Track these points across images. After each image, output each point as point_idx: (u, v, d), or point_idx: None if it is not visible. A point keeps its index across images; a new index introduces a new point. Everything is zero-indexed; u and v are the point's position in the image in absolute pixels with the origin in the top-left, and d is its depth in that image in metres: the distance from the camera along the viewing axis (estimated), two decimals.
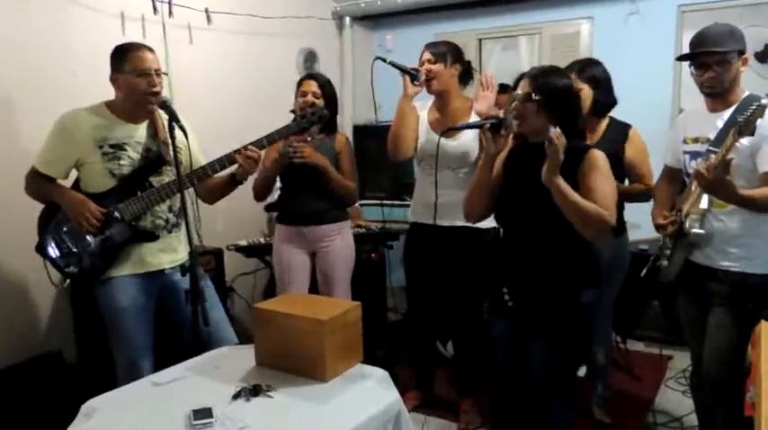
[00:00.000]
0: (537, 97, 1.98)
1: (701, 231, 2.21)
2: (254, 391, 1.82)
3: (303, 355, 1.92)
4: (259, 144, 2.44)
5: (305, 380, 1.90)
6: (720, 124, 2.15)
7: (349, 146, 3.06)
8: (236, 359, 2.11)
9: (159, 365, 2.38)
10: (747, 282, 2.15)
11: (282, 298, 2.26)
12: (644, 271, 2.55)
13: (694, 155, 2.25)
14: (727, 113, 2.15)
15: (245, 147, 2.39)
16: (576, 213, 1.91)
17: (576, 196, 1.91)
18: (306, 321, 1.92)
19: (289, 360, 1.95)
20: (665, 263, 2.39)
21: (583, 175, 1.98)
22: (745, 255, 2.16)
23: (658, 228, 2.37)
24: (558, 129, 1.90)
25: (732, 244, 2.18)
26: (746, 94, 2.16)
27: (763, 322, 1.32)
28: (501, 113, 2.10)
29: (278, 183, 3.89)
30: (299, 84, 2.98)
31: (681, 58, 2.27)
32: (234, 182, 2.49)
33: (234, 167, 2.42)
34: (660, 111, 4.10)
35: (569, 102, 2.03)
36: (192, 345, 2.15)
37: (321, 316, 1.90)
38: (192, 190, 2.54)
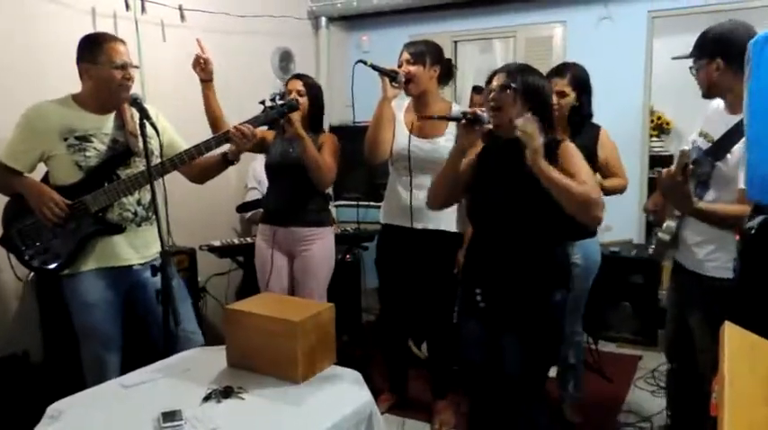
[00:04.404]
0: (513, 85, 2.01)
1: (667, 237, 2.27)
2: (226, 393, 1.80)
3: (275, 357, 1.91)
4: (225, 137, 2.46)
5: (277, 381, 1.89)
6: (724, 128, 2.11)
7: (333, 142, 3.03)
8: (207, 360, 2.09)
9: (126, 363, 2.37)
10: (715, 286, 2.17)
11: (255, 298, 2.24)
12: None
13: (697, 149, 2.24)
14: (735, 119, 2.06)
15: (237, 126, 2.43)
16: (566, 195, 1.89)
17: (563, 178, 1.90)
18: (278, 322, 1.91)
19: (261, 361, 1.94)
20: (652, 247, 2.46)
21: (561, 165, 1.99)
22: (711, 261, 2.19)
23: (648, 211, 2.42)
24: (527, 115, 1.93)
25: (703, 248, 2.21)
26: None
27: (726, 323, 1.34)
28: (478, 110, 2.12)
29: (251, 183, 3.89)
30: (286, 84, 3.01)
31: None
32: (226, 161, 2.53)
33: (225, 147, 2.48)
34: (631, 113, 4.19)
35: (542, 95, 2.05)
36: (162, 345, 2.13)
37: (294, 317, 1.89)
38: (163, 184, 2.53)
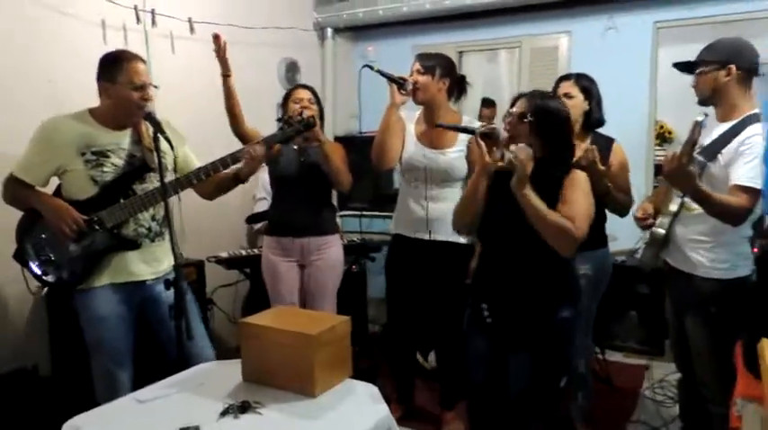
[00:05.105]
0: (531, 118, 2.01)
1: (662, 231, 2.33)
2: (243, 408, 1.79)
3: (292, 371, 1.90)
4: (236, 157, 2.45)
5: (294, 395, 1.87)
6: (716, 134, 2.21)
7: (341, 148, 3.06)
8: (221, 375, 2.07)
9: (137, 378, 2.36)
10: (708, 288, 2.23)
11: (269, 312, 2.23)
12: (618, 259, 2.80)
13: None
14: (727, 126, 2.20)
15: (252, 145, 2.46)
16: (539, 223, 1.93)
17: (541, 207, 1.93)
18: (295, 336, 1.90)
19: (277, 375, 1.93)
20: (638, 255, 2.53)
21: (562, 191, 2.02)
22: (706, 262, 2.23)
23: (636, 219, 2.45)
24: (521, 145, 1.94)
25: (695, 249, 2.26)
26: (754, 111, 2.19)
27: (764, 340, 1.35)
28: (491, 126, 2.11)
29: (260, 194, 3.89)
30: (290, 93, 3.02)
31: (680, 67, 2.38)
32: (237, 180, 2.53)
33: (238, 166, 2.48)
34: (636, 124, 4.19)
35: (561, 127, 2.05)
36: (176, 360, 2.12)
37: (310, 330, 1.88)
38: (177, 197, 2.53)
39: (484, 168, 2.06)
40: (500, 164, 2.03)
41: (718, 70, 2.19)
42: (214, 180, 2.51)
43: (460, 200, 2.23)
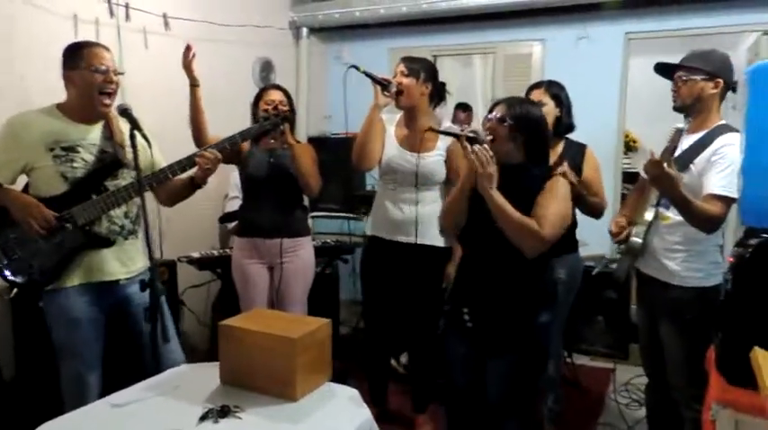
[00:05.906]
0: (510, 122, 2.04)
1: (639, 240, 2.36)
2: (222, 412, 1.76)
3: (272, 374, 1.88)
4: (221, 147, 2.41)
5: (274, 399, 1.85)
6: (686, 145, 2.26)
7: (312, 150, 3.04)
8: (197, 378, 2.04)
9: (106, 382, 2.30)
10: (684, 295, 2.27)
11: (248, 314, 2.20)
12: (595, 270, 2.88)
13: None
14: (696, 137, 2.26)
15: (205, 149, 2.37)
16: (503, 221, 1.97)
17: (505, 205, 1.97)
18: (276, 339, 1.88)
19: (257, 379, 1.90)
20: (613, 266, 2.55)
21: (539, 196, 2.04)
22: (682, 270, 2.28)
23: (612, 235, 2.48)
24: (479, 147, 1.97)
25: (670, 258, 2.30)
26: (721, 122, 2.26)
27: (756, 349, 1.39)
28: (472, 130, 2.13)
29: (233, 193, 3.84)
30: (261, 94, 2.97)
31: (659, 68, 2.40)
32: (193, 185, 2.43)
33: (193, 171, 2.38)
34: (606, 132, 4.28)
35: (539, 131, 2.09)
36: (148, 363, 2.07)
37: (292, 334, 1.87)
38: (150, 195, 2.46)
39: (472, 170, 2.07)
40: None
41: (707, 81, 2.23)
42: (169, 187, 2.44)
43: (449, 201, 2.24)
